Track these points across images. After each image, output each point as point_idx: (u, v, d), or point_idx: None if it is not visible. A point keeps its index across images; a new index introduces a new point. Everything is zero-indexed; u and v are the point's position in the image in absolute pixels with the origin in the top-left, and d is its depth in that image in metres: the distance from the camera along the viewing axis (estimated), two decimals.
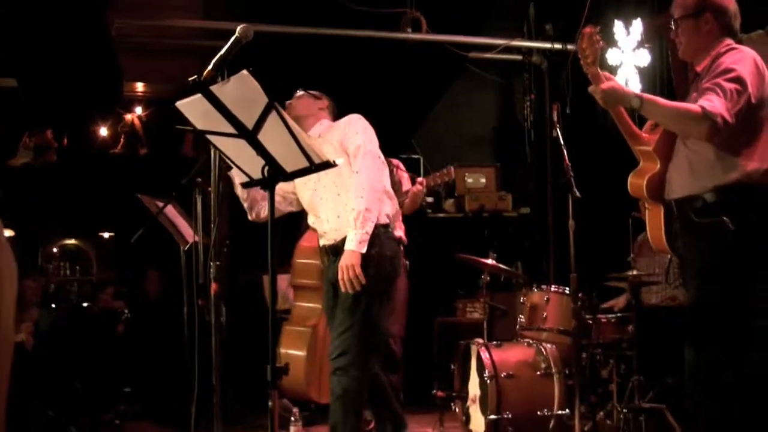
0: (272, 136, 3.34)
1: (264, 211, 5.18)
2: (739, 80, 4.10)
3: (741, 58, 4.19)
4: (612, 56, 8.60)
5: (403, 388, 6.29)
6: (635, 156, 4.66)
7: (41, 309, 7.48)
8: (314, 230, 5.27)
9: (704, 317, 4.27)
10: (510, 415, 5.95)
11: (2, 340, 1.42)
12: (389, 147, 6.23)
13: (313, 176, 4.78)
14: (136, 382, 7.84)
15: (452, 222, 9.37)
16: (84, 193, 8.35)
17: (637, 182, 4.55)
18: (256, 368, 5.06)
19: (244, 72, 3.16)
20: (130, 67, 8.49)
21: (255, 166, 3.51)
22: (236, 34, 3.44)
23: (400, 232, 6.49)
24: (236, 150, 3.54)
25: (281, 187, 4.69)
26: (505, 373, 6.03)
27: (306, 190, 5.05)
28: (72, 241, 8.97)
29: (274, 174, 3.46)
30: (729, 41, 4.33)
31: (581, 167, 5.92)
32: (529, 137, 9.89)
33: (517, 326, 6.55)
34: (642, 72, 8.52)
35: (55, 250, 9.07)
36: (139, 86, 9.38)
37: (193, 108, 3.39)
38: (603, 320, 6.45)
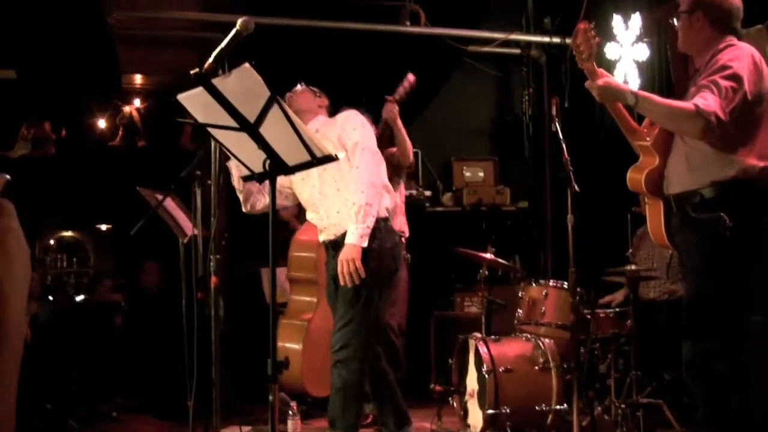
0: (274, 129, 3.33)
1: (259, 204, 5.20)
2: (735, 77, 4.11)
3: (738, 55, 4.20)
4: (610, 51, 8.60)
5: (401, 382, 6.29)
6: (634, 150, 4.66)
7: (38, 301, 7.47)
8: (312, 224, 5.28)
9: (701, 310, 4.30)
10: (508, 410, 5.94)
11: (13, 325, 1.40)
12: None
13: (312, 172, 4.82)
14: (133, 375, 7.83)
15: (450, 216, 9.36)
16: (82, 185, 8.33)
17: (636, 177, 4.56)
18: (254, 361, 5.07)
19: (246, 65, 3.15)
20: (128, 58, 8.48)
21: (256, 160, 3.50)
22: (237, 26, 3.43)
23: (403, 224, 6.52)
24: (237, 143, 3.54)
25: (278, 181, 4.70)
26: (503, 368, 6.03)
27: (305, 186, 5.07)
28: (69, 233, 8.94)
29: (276, 168, 3.45)
30: (730, 38, 4.34)
31: (579, 161, 5.91)
32: (527, 131, 9.89)
33: (516, 321, 6.54)
34: (641, 66, 8.52)
35: (51, 242, 9.04)
36: (138, 78, 9.35)
37: (195, 101, 3.38)
38: (601, 315, 6.44)
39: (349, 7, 8.54)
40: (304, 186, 5.09)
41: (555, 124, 5.89)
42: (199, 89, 3.26)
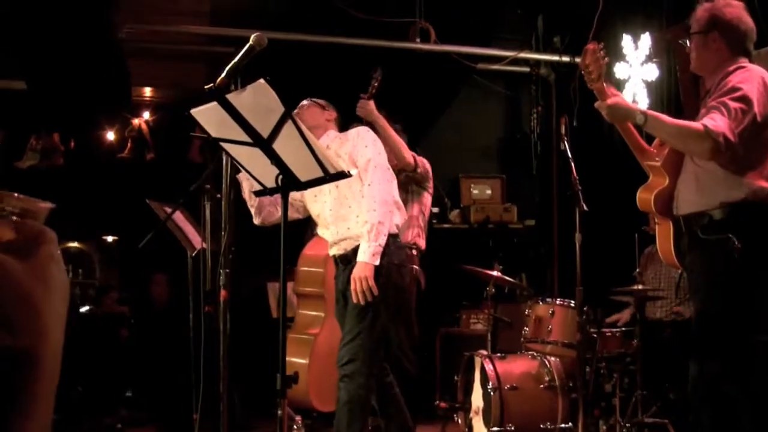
0: (287, 145, 3.34)
1: (272, 217, 5.19)
2: (744, 99, 4.10)
3: (749, 77, 4.20)
4: (620, 70, 8.61)
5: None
6: (644, 170, 4.67)
7: None
8: (320, 239, 5.29)
9: (709, 331, 4.29)
10: (513, 428, 5.94)
11: (50, 354, 1.41)
12: None
13: (324, 188, 4.83)
14: (138, 387, 7.84)
15: (457, 233, 9.36)
16: (89, 196, 8.35)
17: (645, 197, 4.56)
18: (260, 375, 5.07)
19: (262, 81, 3.16)
20: (138, 71, 8.50)
21: (269, 175, 3.51)
22: (250, 41, 3.44)
23: (416, 236, 6.47)
24: (250, 158, 3.55)
25: (290, 194, 4.72)
26: (508, 385, 6.02)
27: (317, 202, 5.07)
28: (75, 244, 8.96)
29: (288, 183, 3.46)
30: (742, 60, 4.34)
31: (587, 180, 5.92)
32: (535, 149, 9.90)
33: (522, 338, 6.54)
34: (650, 86, 8.53)
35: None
36: (147, 91, 9.39)
37: (208, 115, 3.40)
38: (608, 334, 6.44)
39: (359, 23, 8.57)
40: (316, 201, 5.10)
41: (564, 143, 5.89)
42: (213, 104, 3.27)
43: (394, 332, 5.07)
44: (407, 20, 9.02)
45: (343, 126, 5.32)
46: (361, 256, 4.73)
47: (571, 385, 6.10)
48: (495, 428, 5.92)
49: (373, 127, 5.83)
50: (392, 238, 4.91)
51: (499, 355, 6.28)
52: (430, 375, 7.92)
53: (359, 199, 4.85)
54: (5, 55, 7.70)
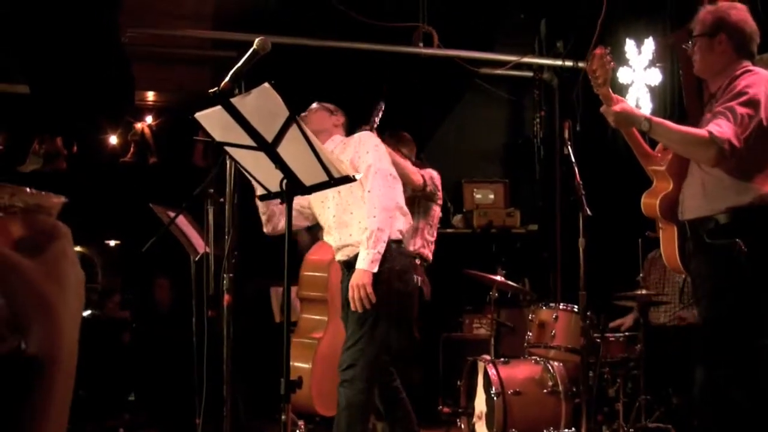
0: (292, 149, 3.33)
1: (281, 225, 5.18)
2: (751, 103, 4.10)
3: (756, 81, 4.19)
4: (623, 75, 8.60)
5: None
6: (648, 175, 4.66)
7: None
8: (323, 243, 5.28)
9: (714, 336, 4.28)
10: None
11: (66, 354, 1.38)
12: None
13: (328, 193, 4.83)
14: (141, 391, 7.83)
15: (460, 237, 9.35)
16: (92, 200, 8.35)
17: (650, 202, 4.56)
18: (263, 379, 5.06)
19: (266, 85, 3.16)
20: (141, 75, 8.50)
21: (273, 179, 3.50)
22: (254, 46, 3.44)
23: (422, 246, 6.45)
24: (254, 162, 3.54)
25: (297, 202, 4.70)
26: (511, 390, 6.02)
27: (322, 208, 5.08)
28: (77, 248, 8.94)
29: (293, 187, 3.45)
30: (746, 63, 4.33)
31: (591, 185, 5.92)
32: (538, 154, 9.88)
33: (525, 343, 6.53)
34: (653, 91, 8.52)
35: None
36: (150, 95, 9.39)
37: (212, 119, 3.39)
38: (611, 339, 6.43)
39: (362, 27, 8.56)
40: (322, 208, 5.10)
41: (567, 147, 5.89)
42: (217, 108, 3.27)
43: (395, 338, 5.04)
44: (410, 25, 9.02)
45: (349, 130, 5.32)
46: (360, 263, 4.73)
47: (574, 390, 6.10)
48: None
49: None
50: (395, 243, 4.90)
51: (502, 359, 6.28)
52: (433, 380, 7.92)
53: (361, 205, 4.84)
54: (8, 58, 7.71)
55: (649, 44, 8.51)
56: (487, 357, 6.34)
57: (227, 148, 3.56)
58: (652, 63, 8.50)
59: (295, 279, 7.11)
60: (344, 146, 5.07)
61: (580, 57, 9.07)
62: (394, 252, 4.88)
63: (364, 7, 8.59)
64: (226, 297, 4.35)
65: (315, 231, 7.44)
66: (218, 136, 3.48)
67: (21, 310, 1.29)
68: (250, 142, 3.35)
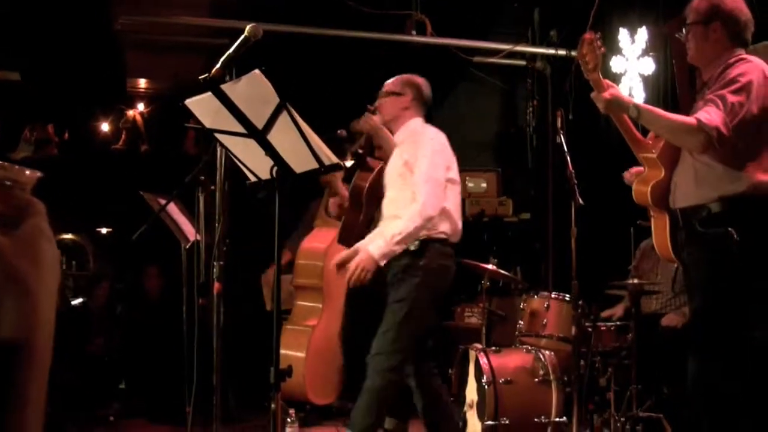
0: (282, 136, 3.32)
1: None
2: (743, 91, 4.08)
3: (748, 69, 4.17)
4: (616, 64, 8.60)
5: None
6: (640, 163, 4.64)
7: None
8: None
9: (707, 327, 4.27)
10: (507, 421, 5.92)
11: (43, 336, 1.35)
12: None
13: (388, 185, 5.04)
14: (131, 380, 7.82)
15: None
16: (83, 188, 8.32)
17: (641, 189, 4.54)
18: (253, 368, 5.05)
19: (256, 71, 3.14)
20: (133, 63, 8.48)
21: (263, 166, 3.50)
22: (245, 32, 3.42)
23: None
24: (244, 149, 3.53)
25: None
26: (503, 379, 6.01)
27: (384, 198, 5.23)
28: (69, 236, 8.92)
29: (283, 174, 3.44)
30: (740, 51, 4.31)
31: (583, 174, 5.91)
32: (531, 143, 9.88)
33: (516, 332, 6.52)
34: (646, 80, 8.52)
35: None
36: (142, 83, 9.36)
37: (202, 106, 3.38)
38: (602, 328, 6.42)
39: (355, 15, 8.54)
40: (384, 205, 5.25)
41: (560, 137, 5.88)
42: (208, 95, 3.25)
43: (424, 332, 5.10)
44: (403, 13, 9.00)
45: (339, 119, 5.30)
46: (374, 248, 4.83)
47: (565, 379, 6.09)
48: (489, 422, 5.91)
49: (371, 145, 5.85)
50: (438, 243, 4.98)
51: (493, 348, 6.27)
52: None
53: (407, 206, 4.94)
54: None
55: (643, 33, 8.50)
56: (479, 345, 6.33)
57: (217, 135, 3.54)
58: (645, 52, 8.50)
59: (290, 267, 7.13)
60: (408, 143, 5.16)
61: (574, 46, 8.98)
62: (433, 250, 4.97)
63: None
64: (217, 285, 4.34)
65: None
66: (208, 123, 3.46)
67: None
68: (240, 129, 3.34)
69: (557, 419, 6.03)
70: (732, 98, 4.05)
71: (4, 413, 1.30)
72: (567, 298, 6.23)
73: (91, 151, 8.89)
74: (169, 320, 6.37)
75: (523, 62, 9.96)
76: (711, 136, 3.98)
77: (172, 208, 5.89)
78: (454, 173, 5.14)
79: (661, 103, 7.85)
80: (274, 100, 3.21)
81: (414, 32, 9.03)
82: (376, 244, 4.84)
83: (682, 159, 4.38)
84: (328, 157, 3.39)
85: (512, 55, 9.71)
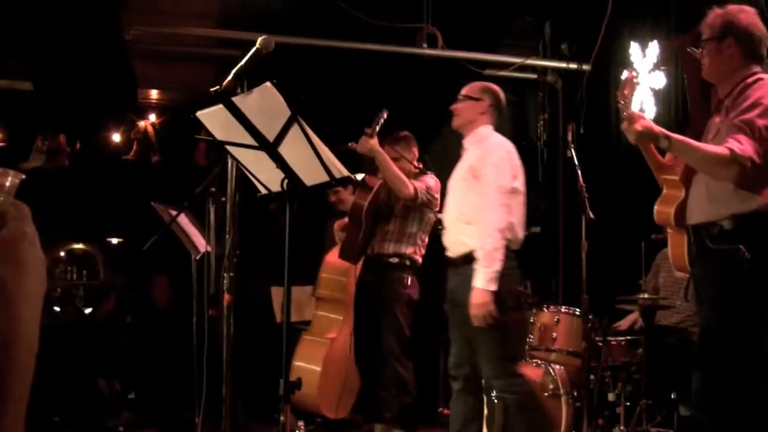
0: (293, 148, 3.32)
1: None
2: (766, 113, 4.06)
3: None
4: None
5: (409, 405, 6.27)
6: (658, 182, 4.64)
7: (45, 313, 7.45)
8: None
9: (714, 342, 4.25)
10: None
11: (23, 341, 1.31)
12: None
13: (452, 190, 5.17)
14: (141, 390, 7.82)
15: None
16: (94, 198, 8.34)
17: (664, 210, 4.54)
18: (264, 380, 5.04)
19: (268, 84, 3.15)
20: (144, 74, 8.48)
21: (274, 179, 3.50)
22: (257, 44, 3.43)
23: (416, 255, 6.39)
24: (255, 161, 3.53)
25: None
26: None
27: (448, 210, 5.29)
28: (80, 246, 8.94)
29: (293, 187, 3.44)
30: (756, 69, 4.29)
31: (594, 188, 5.90)
32: (541, 156, 9.86)
33: (527, 346, 6.51)
34: (657, 94, 8.49)
35: (62, 254, 9.04)
36: (154, 93, 9.38)
37: (214, 118, 3.38)
38: (613, 342, 6.41)
39: (366, 28, 8.54)
40: (448, 210, 5.30)
41: (570, 150, 5.88)
42: (219, 107, 3.25)
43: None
44: (414, 25, 9.00)
45: (350, 131, 5.29)
46: (477, 282, 4.87)
47: (575, 393, 6.08)
48: None
49: (373, 162, 5.85)
50: (506, 249, 5.03)
51: None
52: (433, 380, 7.90)
53: (476, 213, 5.00)
54: (12, 55, 7.70)
55: (654, 47, 8.47)
56: None
57: (228, 147, 3.54)
58: (656, 66, 8.47)
59: (302, 279, 7.13)
60: (475, 150, 5.24)
61: (585, 59, 9.05)
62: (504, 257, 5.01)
63: (368, 8, 8.56)
64: (227, 296, 4.34)
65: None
66: (219, 135, 3.46)
67: None
68: (251, 141, 3.34)
69: None
70: (760, 123, 4.03)
71: None
72: (577, 313, 6.22)
73: (102, 162, 8.92)
74: (179, 331, 6.37)
75: (534, 75, 9.95)
76: (745, 166, 3.97)
77: (183, 219, 5.90)
78: (520, 183, 5.19)
79: (672, 118, 7.83)
80: (286, 112, 3.21)
81: (425, 45, 9.02)
82: (477, 277, 4.87)
83: (696, 177, 4.37)
84: (339, 170, 3.38)
85: (523, 68, 9.70)
